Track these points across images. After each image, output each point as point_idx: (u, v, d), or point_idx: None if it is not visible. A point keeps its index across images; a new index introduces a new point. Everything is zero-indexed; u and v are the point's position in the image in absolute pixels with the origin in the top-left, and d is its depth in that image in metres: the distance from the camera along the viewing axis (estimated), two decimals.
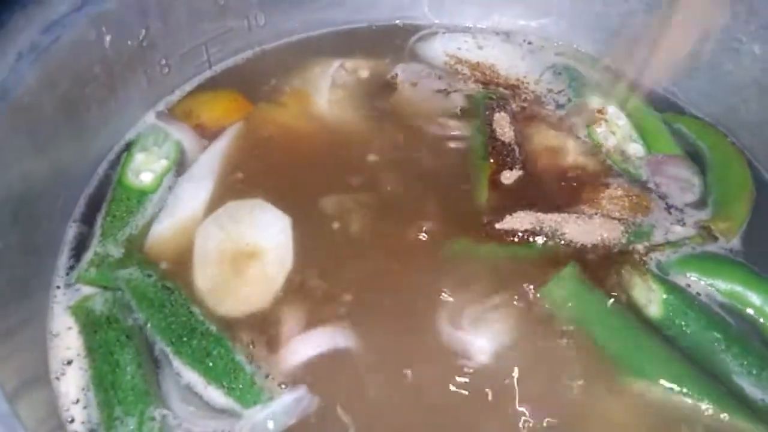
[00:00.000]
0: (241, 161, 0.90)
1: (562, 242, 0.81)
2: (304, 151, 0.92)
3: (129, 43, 0.88)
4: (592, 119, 0.97)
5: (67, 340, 0.74)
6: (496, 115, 0.95)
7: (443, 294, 0.77)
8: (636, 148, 0.94)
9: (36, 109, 0.75)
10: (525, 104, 1.00)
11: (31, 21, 0.75)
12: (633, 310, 0.76)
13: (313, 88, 1.00)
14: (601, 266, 0.80)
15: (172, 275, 0.78)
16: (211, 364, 0.71)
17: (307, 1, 1.07)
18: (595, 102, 0.99)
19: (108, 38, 0.84)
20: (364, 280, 0.78)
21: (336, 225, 0.83)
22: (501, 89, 1.02)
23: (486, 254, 0.80)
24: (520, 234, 0.81)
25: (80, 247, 0.81)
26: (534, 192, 0.87)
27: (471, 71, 1.05)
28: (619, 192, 0.86)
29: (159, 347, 0.73)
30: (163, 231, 0.83)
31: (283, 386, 0.70)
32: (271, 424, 0.68)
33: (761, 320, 0.77)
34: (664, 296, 0.76)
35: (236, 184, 0.87)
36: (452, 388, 0.71)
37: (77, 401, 0.69)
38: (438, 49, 1.08)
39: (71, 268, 0.80)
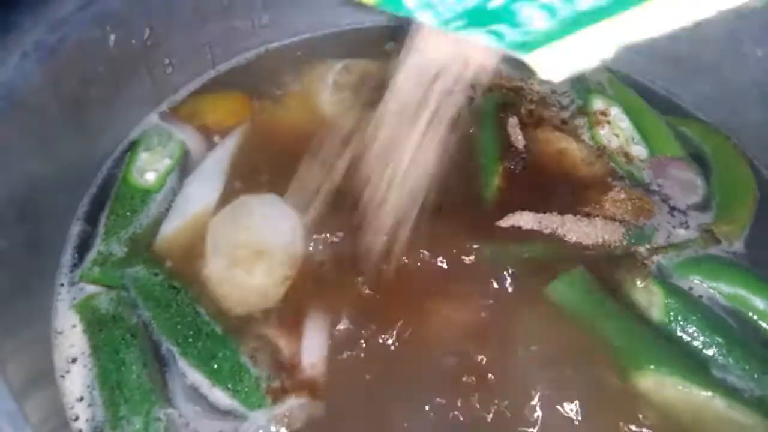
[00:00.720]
0: (250, 161, 0.90)
1: (564, 243, 0.81)
2: (315, 153, 0.91)
3: (133, 42, 0.88)
4: (596, 121, 0.97)
5: (71, 338, 0.74)
6: (511, 120, 0.95)
7: (449, 294, 0.77)
8: (639, 150, 0.94)
9: (41, 108, 0.75)
10: (532, 107, 1.00)
11: (36, 20, 0.76)
12: (635, 312, 0.77)
13: (316, 89, 1.01)
14: (602, 268, 0.80)
15: (179, 274, 0.78)
16: (216, 365, 0.71)
17: (311, 2, 1.07)
18: (598, 104, 0.99)
19: (113, 38, 0.84)
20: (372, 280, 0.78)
21: (347, 229, 0.82)
22: (505, 91, 1.01)
23: (490, 253, 0.80)
24: (520, 236, 0.81)
25: (84, 246, 0.82)
26: (537, 193, 0.87)
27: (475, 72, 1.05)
28: (622, 195, 0.86)
29: (165, 346, 0.73)
30: (173, 230, 0.83)
31: (289, 390, 0.70)
32: (275, 428, 0.68)
33: (764, 324, 0.77)
34: (666, 300, 0.76)
35: (246, 184, 0.87)
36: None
37: (81, 399, 0.70)
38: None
39: (75, 266, 0.80)
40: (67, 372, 0.72)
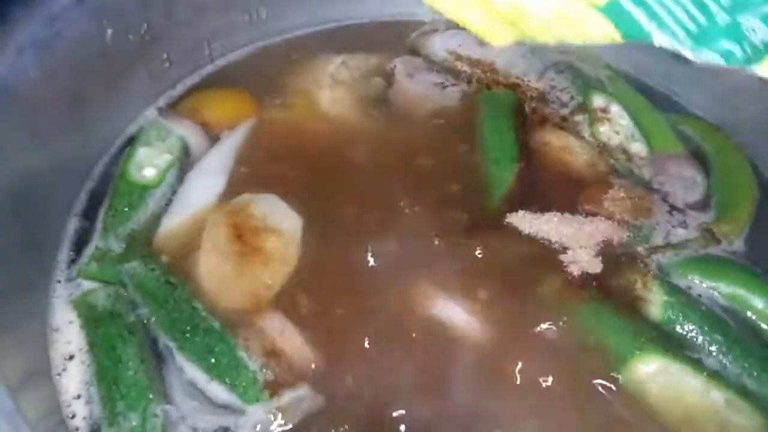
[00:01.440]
0: (253, 158, 0.89)
1: (562, 243, 0.80)
2: (313, 150, 0.91)
3: (130, 37, 0.87)
4: (596, 118, 0.97)
5: (67, 334, 0.74)
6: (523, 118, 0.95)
7: (446, 294, 0.77)
8: (639, 148, 0.94)
9: (37, 103, 0.75)
10: (533, 104, 0.99)
11: (32, 15, 0.75)
12: (634, 311, 0.76)
13: (315, 85, 1.00)
14: (601, 268, 0.79)
15: (176, 269, 0.78)
16: (213, 360, 0.71)
17: None
18: (598, 101, 0.99)
19: (109, 32, 0.84)
20: (365, 289, 0.78)
21: (344, 230, 0.82)
22: (502, 87, 1.01)
23: (490, 251, 0.80)
24: (520, 232, 0.80)
25: (81, 242, 0.81)
26: (537, 191, 0.87)
27: (471, 68, 1.04)
28: (622, 193, 0.86)
29: (163, 342, 0.73)
30: (174, 224, 0.83)
31: (286, 384, 0.70)
32: (273, 422, 0.68)
33: (762, 324, 0.77)
34: (665, 298, 0.76)
35: (249, 181, 0.86)
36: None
37: (78, 397, 0.70)
38: (438, 45, 1.08)
39: (72, 262, 0.80)
40: (64, 370, 0.71)
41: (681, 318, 0.75)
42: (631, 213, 0.84)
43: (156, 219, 0.83)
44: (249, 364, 0.71)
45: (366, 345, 0.73)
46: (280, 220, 0.81)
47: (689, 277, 0.80)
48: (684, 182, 0.90)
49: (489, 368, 0.72)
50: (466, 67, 1.04)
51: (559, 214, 0.82)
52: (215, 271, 0.77)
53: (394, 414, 0.69)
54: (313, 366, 0.72)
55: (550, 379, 0.70)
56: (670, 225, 0.86)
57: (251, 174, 0.87)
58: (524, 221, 0.81)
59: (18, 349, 0.66)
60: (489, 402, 0.70)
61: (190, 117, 0.93)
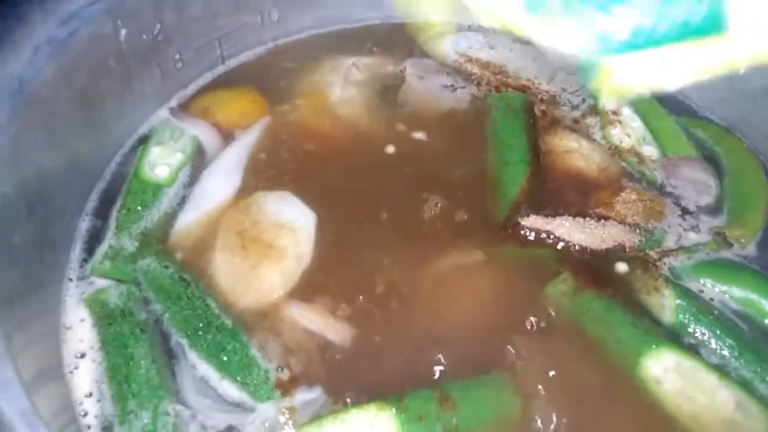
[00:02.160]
0: (267, 157, 0.90)
1: (574, 247, 0.80)
2: (325, 149, 0.92)
3: (144, 37, 0.88)
4: (608, 121, 0.96)
5: (80, 332, 0.74)
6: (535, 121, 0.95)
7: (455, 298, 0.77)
8: (650, 151, 0.94)
9: (52, 102, 0.75)
10: (543, 107, 0.99)
11: (48, 14, 0.75)
12: (646, 313, 0.76)
13: (326, 86, 1.00)
14: (611, 271, 0.80)
15: (190, 266, 0.79)
16: (225, 358, 0.71)
17: None
18: (609, 103, 0.98)
19: (123, 32, 0.84)
20: (377, 288, 0.78)
21: (357, 228, 0.83)
22: (512, 90, 1.01)
23: (500, 255, 0.80)
24: (532, 237, 0.80)
25: (93, 241, 0.82)
26: (548, 194, 0.87)
27: (481, 70, 1.04)
28: (633, 196, 0.86)
29: (175, 339, 0.74)
30: (189, 222, 0.83)
31: (298, 383, 0.70)
32: (282, 421, 0.68)
33: None
34: (677, 301, 0.76)
35: (263, 179, 0.87)
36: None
37: (90, 395, 0.70)
38: (448, 47, 1.08)
39: (84, 261, 0.80)
40: (76, 368, 0.71)
41: (693, 321, 0.74)
42: (642, 216, 0.84)
43: (169, 218, 0.84)
44: (261, 362, 0.71)
45: (379, 338, 0.73)
46: (295, 216, 0.82)
47: (701, 281, 0.80)
48: (696, 186, 0.90)
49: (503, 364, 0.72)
50: (476, 69, 1.05)
51: (570, 218, 0.81)
52: (230, 268, 0.78)
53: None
54: (320, 364, 0.72)
55: (565, 374, 0.70)
56: (682, 228, 0.85)
57: (265, 172, 0.88)
58: (536, 225, 0.80)
59: (31, 348, 0.66)
60: None
61: (202, 117, 0.94)
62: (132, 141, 0.92)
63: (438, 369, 0.71)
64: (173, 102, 0.97)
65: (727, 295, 0.79)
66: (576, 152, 0.92)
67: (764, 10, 0.53)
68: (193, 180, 0.88)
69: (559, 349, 0.73)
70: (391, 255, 0.80)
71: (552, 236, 0.80)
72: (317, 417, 0.67)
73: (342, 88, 1.00)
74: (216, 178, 0.87)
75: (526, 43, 1.08)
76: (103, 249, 0.80)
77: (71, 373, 0.71)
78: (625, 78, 0.57)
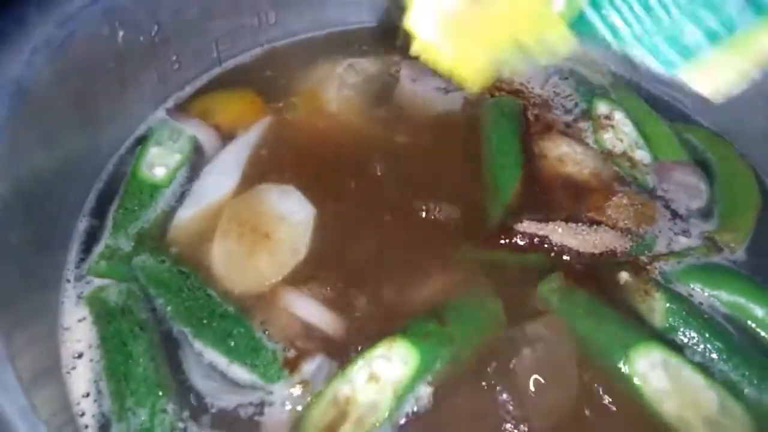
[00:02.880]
0: (266, 155, 0.92)
1: (567, 252, 0.81)
2: (322, 149, 0.93)
3: (141, 39, 0.88)
4: (600, 125, 0.97)
5: (77, 333, 0.75)
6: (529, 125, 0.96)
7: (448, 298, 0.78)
8: (642, 155, 0.95)
9: (49, 103, 0.75)
10: (536, 111, 1.00)
11: (45, 16, 0.76)
12: (635, 316, 0.77)
13: (322, 87, 1.01)
14: (602, 275, 0.81)
15: (187, 259, 0.80)
16: (232, 343, 0.73)
17: (317, 0, 1.07)
18: (602, 108, 0.99)
19: (121, 33, 0.84)
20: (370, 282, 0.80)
21: (353, 225, 0.85)
22: (505, 94, 1.02)
23: (492, 260, 0.81)
24: (526, 242, 0.81)
25: (90, 241, 0.82)
26: (540, 199, 0.88)
27: None
28: (625, 201, 0.87)
29: (179, 329, 0.75)
30: (188, 218, 0.84)
31: (302, 357, 0.73)
32: (299, 396, 0.70)
33: (762, 332, 0.78)
34: (667, 305, 0.77)
35: (262, 175, 0.89)
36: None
37: (87, 395, 0.70)
38: None
39: (82, 260, 0.81)
40: (74, 368, 0.72)
41: (683, 325, 0.76)
42: (634, 221, 0.85)
43: (165, 216, 0.85)
44: (267, 344, 0.73)
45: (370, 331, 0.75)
46: (294, 209, 0.84)
47: (691, 285, 0.81)
48: (687, 190, 0.91)
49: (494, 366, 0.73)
50: None
51: (563, 223, 0.82)
52: (227, 255, 0.80)
53: None
54: (336, 331, 0.75)
55: (553, 369, 0.72)
56: (672, 233, 0.86)
57: (264, 169, 0.90)
58: (529, 230, 0.81)
59: (30, 348, 0.67)
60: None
61: (202, 118, 0.94)
62: (129, 142, 0.92)
63: None
64: (170, 103, 0.97)
65: (716, 300, 0.80)
66: (569, 157, 0.93)
67: None
68: (190, 179, 0.89)
69: (551, 341, 0.74)
70: (384, 253, 0.82)
71: (546, 241, 0.81)
72: (341, 369, 0.70)
73: (338, 89, 1.01)
74: (216, 176, 0.89)
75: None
76: (99, 249, 0.81)
77: (69, 373, 0.72)
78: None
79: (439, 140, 0.95)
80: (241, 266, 0.79)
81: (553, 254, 0.81)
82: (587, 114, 0.99)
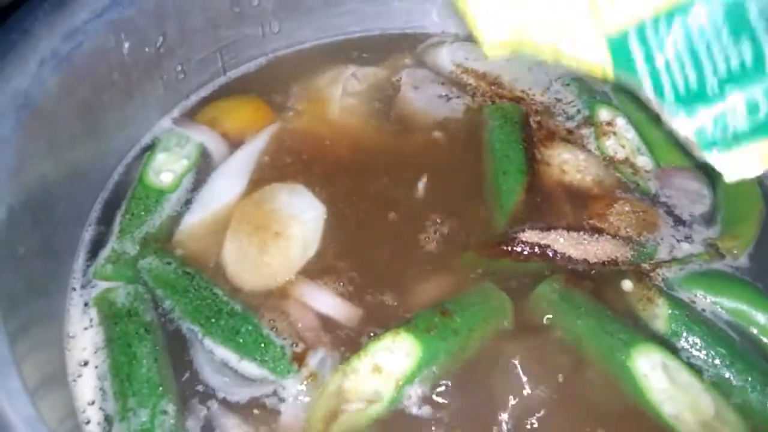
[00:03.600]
0: (274, 160, 0.93)
1: (568, 262, 0.81)
2: (328, 155, 0.94)
3: (146, 50, 0.89)
4: (602, 132, 0.97)
5: (83, 340, 0.76)
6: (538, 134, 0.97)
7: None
8: (644, 161, 0.95)
9: (56, 115, 0.76)
10: (538, 118, 1.00)
11: (52, 28, 0.77)
12: (638, 324, 0.78)
13: (326, 96, 1.02)
14: (605, 281, 0.81)
15: (192, 261, 0.82)
16: (241, 340, 0.75)
17: (320, 9, 1.08)
18: (604, 114, 0.99)
19: (127, 45, 0.85)
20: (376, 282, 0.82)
21: (361, 224, 0.87)
22: (507, 101, 1.02)
23: (494, 268, 0.82)
24: (526, 252, 0.81)
25: (96, 248, 0.83)
26: (543, 206, 0.88)
27: (476, 81, 1.05)
28: (627, 207, 0.87)
29: (188, 328, 0.76)
30: (194, 222, 0.86)
31: (307, 351, 0.75)
32: (309, 388, 0.72)
33: (765, 339, 0.78)
34: (669, 311, 0.77)
35: (271, 178, 0.90)
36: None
37: (93, 402, 0.71)
38: (445, 57, 1.09)
39: (88, 268, 0.82)
40: (79, 376, 0.73)
41: (686, 331, 0.76)
42: (636, 228, 0.85)
43: (171, 222, 0.86)
44: (275, 340, 0.75)
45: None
46: (304, 208, 0.86)
47: (693, 292, 0.81)
48: (690, 195, 0.90)
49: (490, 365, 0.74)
50: (471, 80, 1.05)
51: (565, 232, 0.82)
52: (239, 253, 0.82)
53: None
54: (356, 318, 0.77)
55: (554, 369, 0.73)
56: (675, 239, 0.86)
57: (272, 173, 0.91)
58: (532, 239, 0.81)
59: (36, 356, 0.68)
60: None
61: (210, 126, 0.96)
62: (135, 151, 0.93)
63: None
64: (175, 113, 0.98)
65: (718, 306, 0.80)
66: (571, 163, 0.93)
67: None
68: (197, 185, 0.90)
69: (549, 341, 0.76)
70: (392, 252, 0.84)
71: (548, 250, 0.81)
72: (345, 360, 0.72)
73: (341, 97, 1.01)
74: (223, 181, 0.90)
75: (521, 54, 1.11)
76: (105, 253, 0.82)
77: (74, 381, 0.73)
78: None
79: (441, 147, 0.96)
80: (254, 264, 0.81)
81: (555, 263, 0.81)
82: (589, 120, 0.99)
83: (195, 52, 0.98)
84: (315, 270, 0.81)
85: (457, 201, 0.89)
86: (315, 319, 0.77)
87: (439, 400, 0.72)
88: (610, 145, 0.96)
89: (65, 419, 0.68)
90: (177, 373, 0.74)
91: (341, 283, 0.80)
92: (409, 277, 0.81)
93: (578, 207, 0.88)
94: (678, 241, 0.86)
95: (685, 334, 0.76)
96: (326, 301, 0.79)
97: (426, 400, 0.72)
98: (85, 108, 0.81)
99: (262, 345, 0.74)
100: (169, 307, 0.78)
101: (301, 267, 0.81)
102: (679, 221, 0.89)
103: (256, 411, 0.71)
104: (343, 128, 0.98)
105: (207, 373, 0.74)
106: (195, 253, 0.83)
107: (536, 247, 0.80)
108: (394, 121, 0.99)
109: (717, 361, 0.74)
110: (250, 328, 0.75)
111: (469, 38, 1.14)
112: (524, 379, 0.71)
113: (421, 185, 0.91)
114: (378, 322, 0.77)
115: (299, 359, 0.74)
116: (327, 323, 0.77)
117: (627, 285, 0.80)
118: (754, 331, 0.78)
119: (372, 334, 0.75)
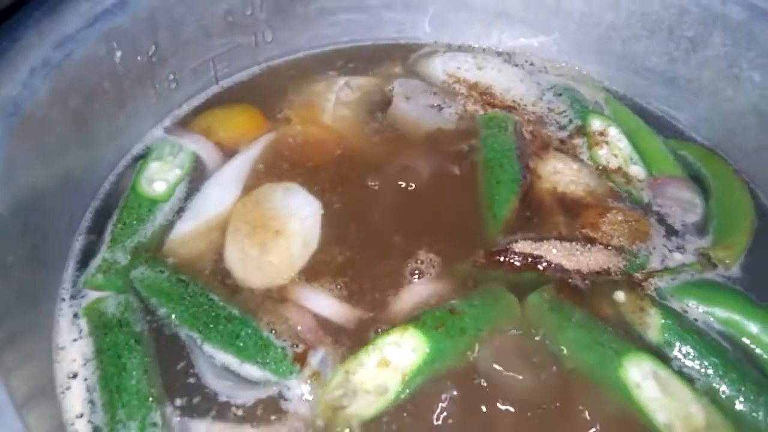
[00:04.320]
0: (269, 165, 0.93)
1: (561, 272, 0.81)
2: (321, 163, 0.95)
3: (138, 58, 0.89)
4: (595, 141, 0.98)
5: (72, 352, 0.75)
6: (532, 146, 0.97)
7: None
8: (637, 171, 0.95)
9: (46, 123, 0.76)
10: (530, 127, 1.00)
11: (43, 36, 0.77)
12: (630, 334, 0.78)
13: (319, 105, 1.02)
14: (597, 291, 0.81)
15: (185, 268, 0.81)
16: (242, 344, 0.75)
17: (313, 19, 1.08)
18: (596, 124, 1.00)
19: (119, 54, 0.85)
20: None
21: (355, 223, 0.87)
22: (499, 110, 1.03)
23: (488, 276, 0.82)
24: (522, 262, 0.81)
25: (86, 259, 0.83)
26: (536, 215, 0.88)
27: (468, 91, 1.06)
28: (620, 217, 0.87)
29: (186, 334, 0.76)
30: (186, 231, 0.86)
31: (308, 351, 0.75)
32: (313, 387, 0.73)
33: (757, 349, 0.78)
34: (662, 321, 0.77)
35: (266, 180, 0.91)
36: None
37: (81, 415, 0.70)
38: (438, 67, 1.10)
39: (77, 279, 0.81)
40: (68, 388, 0.72)
41: (678, 341, 0.76)
42: (628, 237, 0.85)
43: (162, 231, 0.86)
44: (275, 342, 0.75)
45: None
46: (301, 205, 0.87)
47: (686, 302, 0.81)
48: (682, 204, 0.91)
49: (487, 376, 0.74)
50: (463, 90, 1.06)
51: (558, 243, 0.83)
52: (241, 253, 0.82)
53: None
54: (352, 319, 0.78)
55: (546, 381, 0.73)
56: (667, 249, 0.87)
57: (267, 180, 0.91)
58: (526, 250, 0.81)
59: (24, 367, 0.67)
60: None
61: (205, 135, 0.95)
62: (126, 160, 0.93)
63: None
64: (167, 122, 0.98)
65: (710, 316, 0.80)
66: (564, 173, 0.93)
67: None
68: (190, 194, 0.90)
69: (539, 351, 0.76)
70: (383, 260, 0.84)
71: (541, 261, 0.81)
72: (352, 354, 0.73)
73: (334, 106, 1.02)
74: (217, 189, 0.90)
75: (514, 65, 1.12)
76: (96, 262, 0.81)
77: (63, 393, 0.72)
78: None
79: (433, 155, 0.96)
80: (258, 264, 0.81)
81: (548, 273, 0.81)
82: (582, 130, 1.00)
83: (187, 61, 0.98)
84: (317, 266, 0.82)
85: (449, 210, 0.89)
86: (313, 321, 0.78)
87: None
88: (602, 154, 0.97)
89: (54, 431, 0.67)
90: (178, 379, 0.74)
91: (338, 285, 0.81)
92: (399, 284, 0.81)
93: (571, 216, 0.88)
94: (670, 250, 0.87)
95: (677, 344, 0.76)
96: (324, 303, 0.79)
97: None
98: (76, 116, 0.81)
99: (263, 347, 0.74)
100: (164, 315, 0.77)
101: (304, 263, 0.82)
102: (671, 231, 0.89)
103: (262, 412, 0.71)
104: (336, 137, 0.98)
105: (209, 378, 0.73)
106: (188, 260, 0.83)
107: (529, 258, 0.81)
108: (386, 131, 1.00)
109: (709, 371, 0.74)
110: (249, 331, 0.75)
111: (461, 48, 1.15)
112: (517, 384, 0.72)
113: (414, 192, 0.91)
114: (375, 322, 0.77)
115: (300, 359, 0.74)
116: (325, 324, 0.78)
117: (620, 295, 0.80)
118: (746, 340, 0.78)
119: (379, 330, 0.76)
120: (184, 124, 0.98)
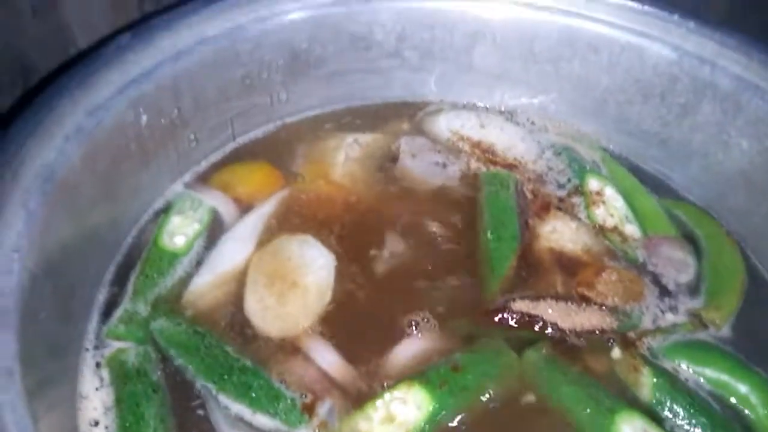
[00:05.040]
0: (280, 225, 0.97)
1: (557, 331, 0.84)
2: (333, 217, 0.99)
3: (162, 121, 0.95)
4: (592, 201, 1.01)
5: (94, 400, 0.78)
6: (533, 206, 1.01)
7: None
8: (632, 230, 0.98)
9: (77, 185, 0.81)
10: (530, 186, 1.04)
11: (77, 105, 0.82)
12: (623, 391, 0.81)
13: (329, 161, 1.07)
14: (592, 348, 0.84)
15: (201, 320, 0.85)
16: (254, 395, 0.78)
17: (325, 80, 1.13)
18: (593, 183, 1.03)
19: (144, 118, 0.91)
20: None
21: (366, 276, 0.91)
22: (500, 168, 1.07)
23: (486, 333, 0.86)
24: (516, 323, 0.84)
25: (109, 310, 0.87)
26: (534, 274, 0.92)
27: (471, 148, 1.10)
28: (614, 276, 0.90)
29: (202, 385, 0.80)
30: (203, 284, 0.90)
31: (316, 401, 0.78)
32: None
33: (745, 410, 0.80)
34: (654, 380, 0.79)
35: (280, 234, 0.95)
36: None
37: None
38: (443, 125, 1.14)
39: (101, 329, 0.85)
40: None
41: (669, 400, 0.78)
42: (622, 297, 0.88)
43: (181, 284, 0.90)
44: (286, 392, 0.78)
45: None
46: (315, 256, 0.90)
47: (677, 362, 0.83)
48: (676, 264, 0.94)
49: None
50: (466, 147, 1.10)
51: (554, 302, 0.86)
52: (262, 306, 0.85)
53: None
54: (351, 380, 0.80)
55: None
56: (659, 309, 0.89)
57: (280, 234, 0.95)
58: (523, 308, 0.85)
59: (50, 416, 0.70)
60: None
61: (222, 190, 1.00)
62: (148, 215, 0.97)
63: None
64: (187, 177, 1.03)
65: (700, 377, 0.82)
66: (563, 232, 0.97)
67: None
68: (207, 248, 0.94)
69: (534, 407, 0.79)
70: (384, 316, 0.88)
71: (538, 320, 0.84)
72: (359, 409, 0.76)
73: (344, 163, 1.07)
74: (232, 244, 0.94)
75: (515, 123, 1.17)
76: (118, 313, 0.85)
77: None
78: None
79: (437, 212, 1.00)
80: (276, 314, 0.85)
81: (544, 333, 0.84)
82: (579, 189, 1.04)
83: (207, 121, 1.03)
84: (330, 318, 0.86)
85: (450, 266, 0.93)
86: (318, 373, 0.81)
87: None
88: (599, 213, 1.00)
89: None
90: (194, 427, 0.77)
91: (346, 338, 0.84)
92: (401, 337, 0.84)
93: (568, 274, 0.92)
94: (662, 311, 0.89)
95: (668, 403, 0.78)
96: (328, 358, 0.82)
97: None
98: (104, 178, 0.86)
99: (274, 398, 0.78)
100: (182, 366, 0.81)
101: (319, 313, 0.86)
102: (665, 291, 0.92)
103: None
104: (345, 192, 1.03)
105: (223, 426, 0.77)
106: (205, 312, 0.87)
107: (527, 317, 0.84)
108: (393, 186, 1.04)
109: (698, 431, 0.76)
110: (261, 382, 0.79)
111: (465, 106, 1.20)
112: None
113: (417, 247, 0.95)
114: (381, 374, 0.81)
115: (309, 409, 0.77)
116: (330, 377, 0.81)
117: (616, 353, 0.83)
118: (735, 401, 0.80)
119: (384, 384, 0.79)
120: (204, 179, 1.03)
